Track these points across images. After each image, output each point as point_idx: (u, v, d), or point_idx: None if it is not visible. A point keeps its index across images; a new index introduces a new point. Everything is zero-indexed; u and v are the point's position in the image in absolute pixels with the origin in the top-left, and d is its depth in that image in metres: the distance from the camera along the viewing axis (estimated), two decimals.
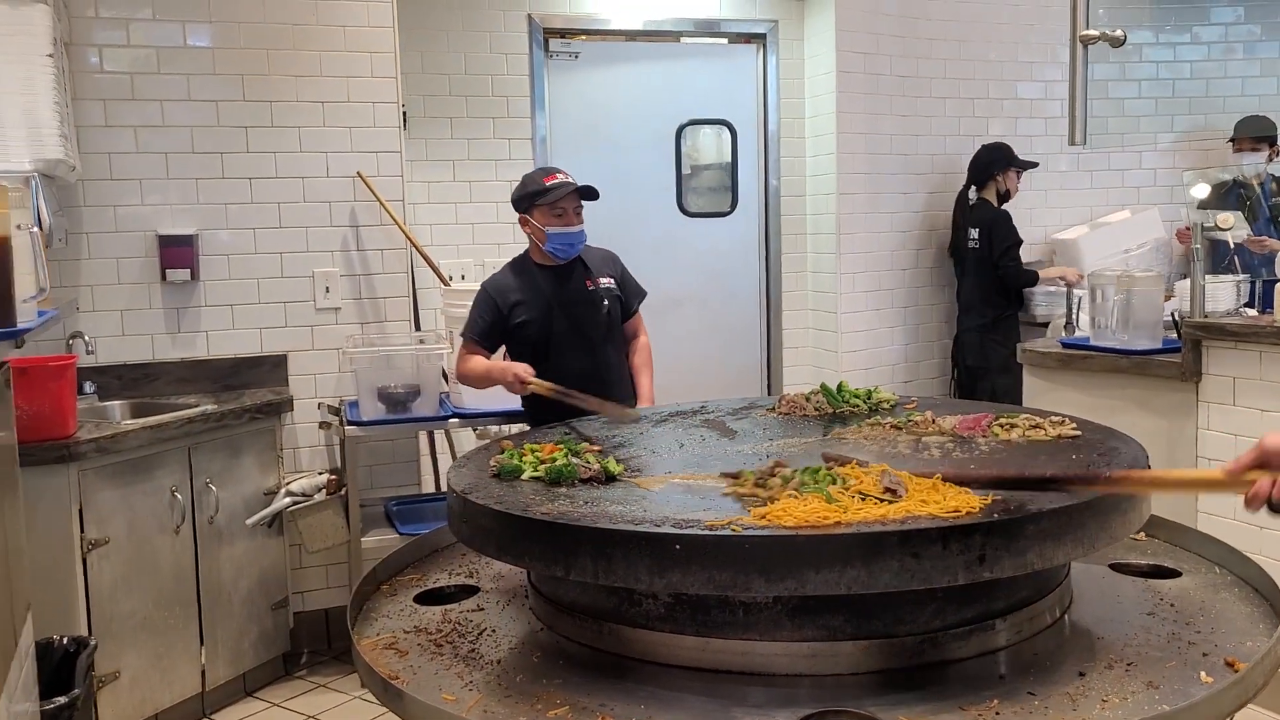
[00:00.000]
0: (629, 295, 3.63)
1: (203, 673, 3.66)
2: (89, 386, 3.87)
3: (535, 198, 3.42)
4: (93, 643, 2.63)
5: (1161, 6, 5.88)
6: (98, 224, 3.99)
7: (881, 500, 1.76)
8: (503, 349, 3.53)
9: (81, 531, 3.26)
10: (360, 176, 4.22)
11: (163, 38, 4.03)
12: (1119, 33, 3.13)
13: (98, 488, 3.31)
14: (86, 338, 3.87)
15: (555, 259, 3.48)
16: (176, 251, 4.04)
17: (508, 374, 3.28)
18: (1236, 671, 1.74)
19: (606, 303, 3.52)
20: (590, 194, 3.46)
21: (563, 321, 3.46)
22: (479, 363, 3.45)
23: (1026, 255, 5.43)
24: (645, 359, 3.65)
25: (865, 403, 2.73)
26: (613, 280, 3.57)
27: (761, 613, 1.75)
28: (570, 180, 3.44)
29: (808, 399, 2.73)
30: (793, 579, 1.60)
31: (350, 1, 4.22)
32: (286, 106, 4.17)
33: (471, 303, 3.53)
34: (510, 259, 3.64)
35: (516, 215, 3.53)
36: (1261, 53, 5.90)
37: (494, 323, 3.46)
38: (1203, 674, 1.74)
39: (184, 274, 4.05)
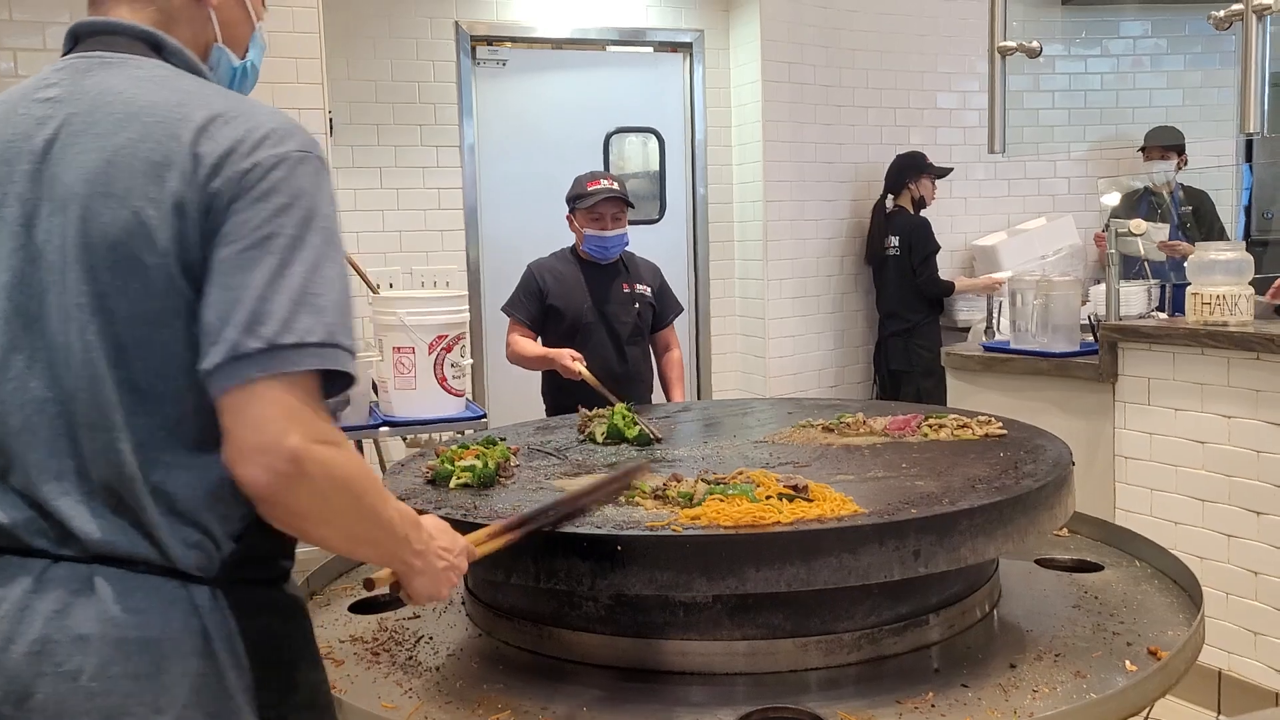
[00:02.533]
0: (664, 307, 3.85)
1: None
2: None
3: (577, 200, 3.65)
4: None
5: (1072, 20, 6.06)
6: None
7: (797, 499, 1.79)
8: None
9: None
10: None
11: None
12: (1035, 44, 3.23)
13: None
14: None
15: (594, 258, 3.68)
16: None
17: (565, 358, 3.48)
18: (1159, 660, 1.80)
19: (638, 306, 3.72)
20: (628, 203, 3.69)
21: (593, 314, 3.65)
22: (533, 345, 3.66)
23: (948, 261, 5.55)
24: (678, 373, 3.89)
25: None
26: (650, 289, 3.79)
27: (701, 613, 1.76)
28: (609, 187, 3.63)
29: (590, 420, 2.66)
30: (734, 577, 1.62)
31: (275, 6, 4.14)
32: None
33: (517, 284, 3.75)
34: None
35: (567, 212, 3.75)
36: (1168, 65, 6.12)
37: (538, 303, 3.66)
38: (1127, 663, 1.80)
39: None
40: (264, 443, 1.11)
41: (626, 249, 3.77)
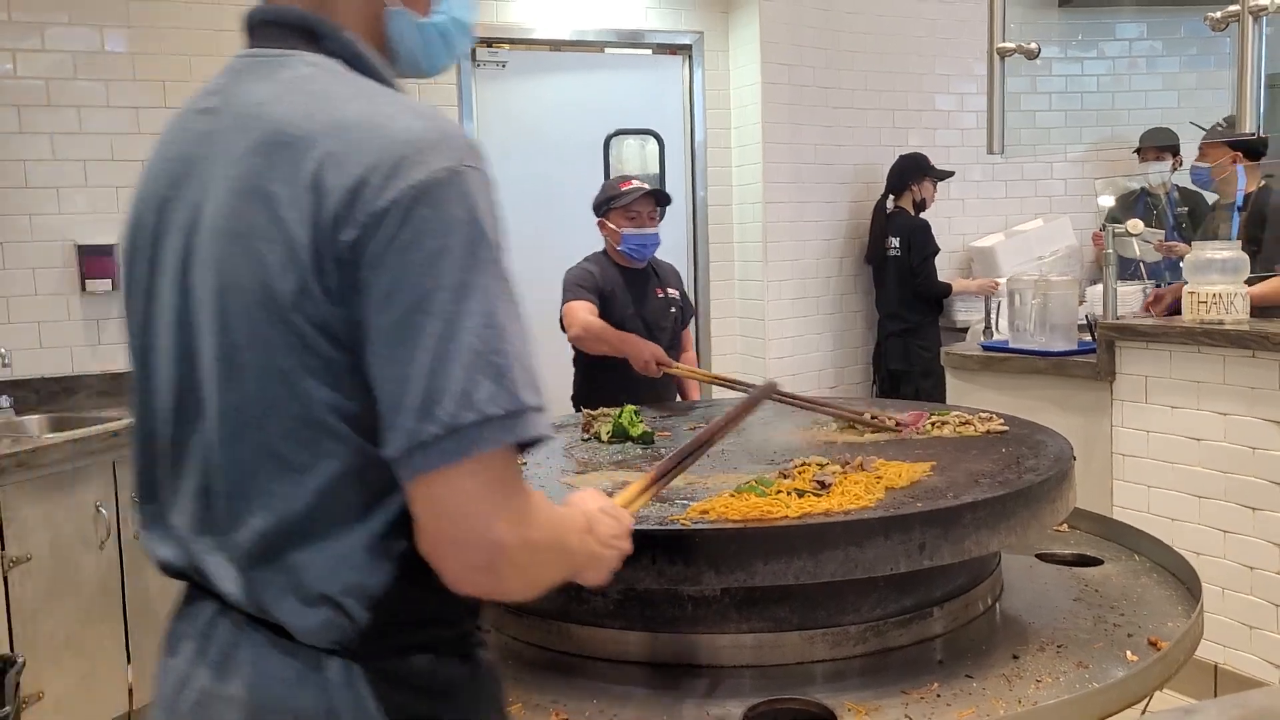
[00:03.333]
0: (686, 309, 3.84)
1: (130, 692, 3.58)
2: (4, 400, 3.76)
3: (612, 201, 3.59)
4: (21, 659, 2.56)
5: (1069, 22, 6.09)
6: (13, 234, 3.89)
7: (806, 494, 1.81)
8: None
9: (2, 549, 3.17)
10: None
11: (80, 43, 3.95)
12: (1033, 45, 3.25)
13: (18, 504, 3.22)
14: (2, 350, 3.77)
15: (631, 260, 3.63)
16: (97, 261, 3.95)
17: (645, 352, 3.34)
18: (1159, 650, 1.82)
19: (674, 310, 3.70)
20: (665, 199, 3.66)
21: (636, 321, 3.58)
22: (606, 326, 3.44)
23: (946, 262, 5.57)
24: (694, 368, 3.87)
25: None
26: (677, 293, 3.77)
27: (709, 606, 1.78)
28: (644, 185, 3.61)
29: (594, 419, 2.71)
30: (742, 571, 1.64)
31: None
32: None
33: (565, 284, 3.59)
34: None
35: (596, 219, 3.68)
36: (1163, 67, 6.15)
37: (597, 293, 3.52)
38: (1128, 653, 1.82)
39: (105, 284, 3.97)
40: (463, 537, 0.99)
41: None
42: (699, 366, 3.98)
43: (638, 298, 3.61)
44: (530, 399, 1.00)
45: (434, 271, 0.97)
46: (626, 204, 3.55)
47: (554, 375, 3.84)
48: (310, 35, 1.10)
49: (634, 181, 3.64)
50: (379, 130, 0.99)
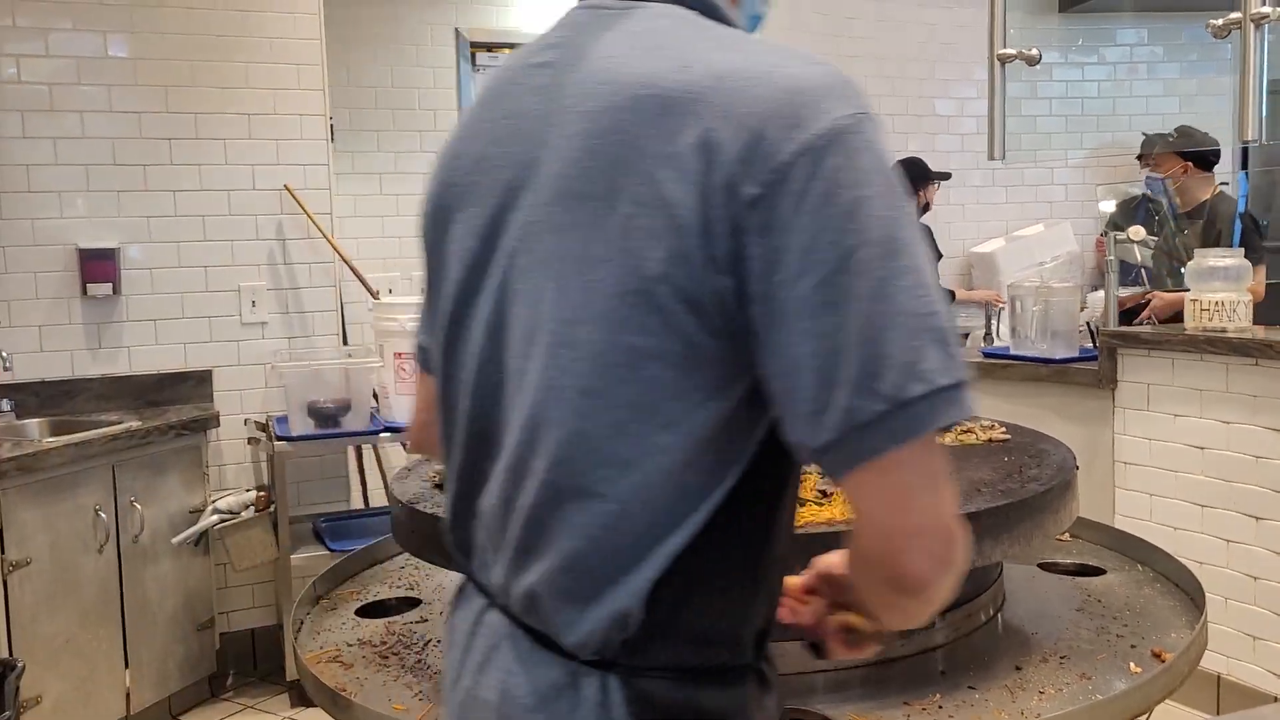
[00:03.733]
0: None
1: (128, 696, 3.57)
2: (5, 404, 3.76)
3: None
4: (20, 664, 2.56)
5: (1069, 28, 6.09)
6: (15, 237, 3.88)
7: (808, 503, 1.81)
8: None
9: (2, 553, 3.17)
10: (288, 190, 4.17)
11: (83, 48, 3.94)
12: (1034, 51, 3.26)
13: (18, 507, 3.22)
14: (3, 354, 3.76)
15: None
16: (98, 265, 3.94)
17: None
18: (1163, 661, 1.82)
19: None
20: None
21: None
22: None
23: (947, 268, 5.57)
24: None
25: None
26: None
27: None
28: None
29: None
30: None
31: (277, 14, 4.18)
32: (211, 118, 4.11)
33: None
34: None
35: None
36: (1163, 73, 6.15)
37: None
38: (1132, 665, 1.81)
39: (106, 288, 3.96)
40: (925, 525, 0.86)
41: None
42: None
43: None
44: (964, 369, 0.87)
45: (856, 226, 0.84)
46: None
47: None
48: None
49: None
50: (766, 79, 0.88)
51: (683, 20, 0.97)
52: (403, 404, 3.88)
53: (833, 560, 1.12)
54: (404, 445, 1.06)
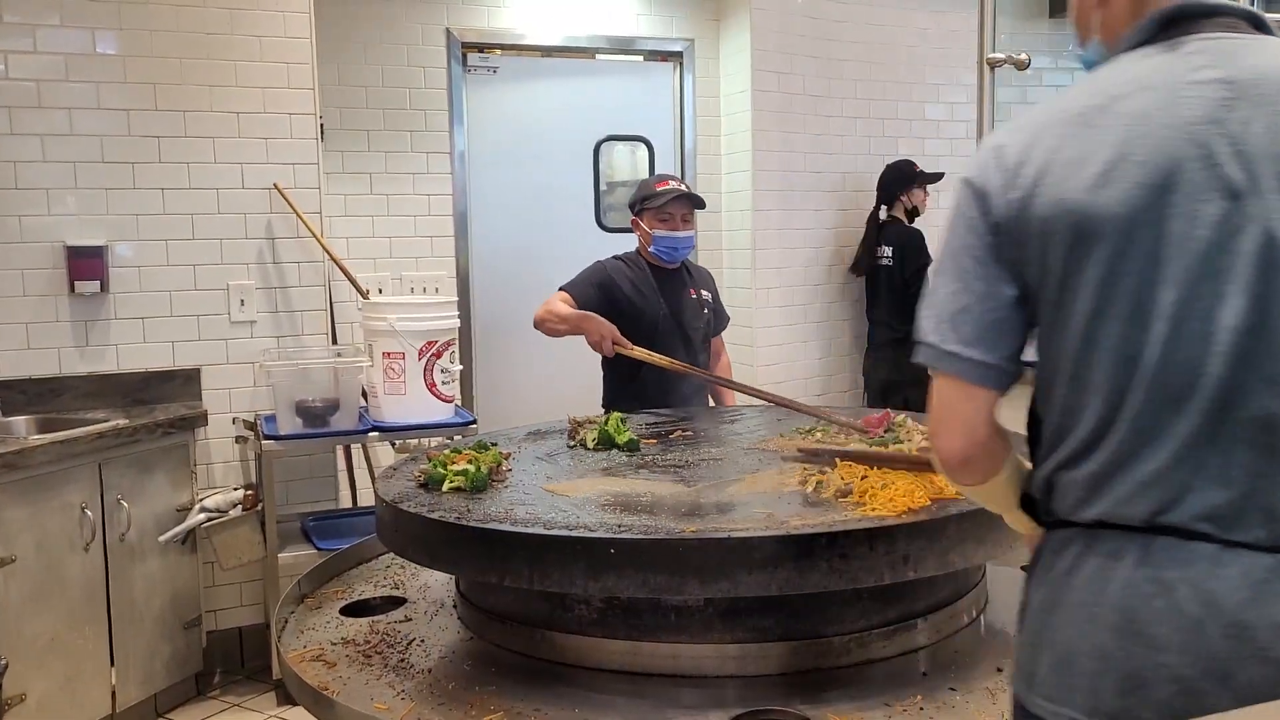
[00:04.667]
0: (720, 314, 3.83)
1: (113, 694, 3.56)
2: None
3: (645, 201, 3.57)
4: (4, 661, 2.55)
5: (1059, 33, 6.12)
6: (2, 235, 3.87)
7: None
8: None
9: None
10: (278, 189, 4.17)
11: (71, 45, 3.94)
12: (1023, 56, 3.27)
13: (4, 505, 3.21)
14: None
15: (661, 261, 3.60)
16: (85, 263, 3.94)
17: (602, 329, 3.31)
18: None
19: (707, 312, 3.69)
20: (699, 203, 3.61)
21: (670, 321, 3.57)
22: (569, 308, 3.43)
23: None
24: (730, 375, 3.90)
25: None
26: (710, 295, 3.75)
27: (693, 616, 1.79)
28: (677, 187, 3.58)
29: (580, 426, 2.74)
30: (726, 580, 1.64)
31: (267, 12, 4.18)
32: (201, 116, 4.10)
33: (581, 271, 3.59)
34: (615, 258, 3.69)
35: (630, 216, 3.66)
36: None
37: (599, 289, 3.50)
38: None
39: (93, 286, 3.95)
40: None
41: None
42: (731, 373, 3.97)
43: (670, 298, 3.60)
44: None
45: None
46: (659, 205, 3.52)
47: (583, 380, 3.87)
48: (1256, 24, 1.32)
49: (670, 182, 3.60)
50: None
51: None
52: (391, 404, 3.89)
53: None
54: (946, 472, 1.03)
